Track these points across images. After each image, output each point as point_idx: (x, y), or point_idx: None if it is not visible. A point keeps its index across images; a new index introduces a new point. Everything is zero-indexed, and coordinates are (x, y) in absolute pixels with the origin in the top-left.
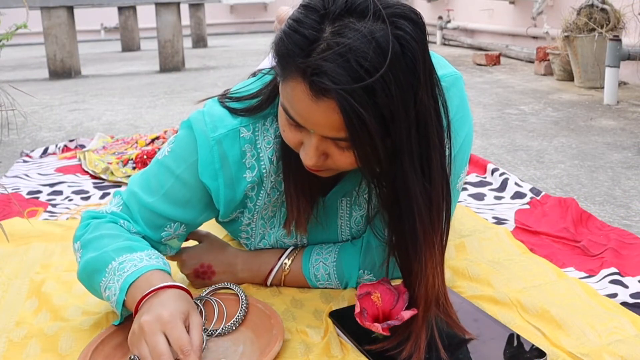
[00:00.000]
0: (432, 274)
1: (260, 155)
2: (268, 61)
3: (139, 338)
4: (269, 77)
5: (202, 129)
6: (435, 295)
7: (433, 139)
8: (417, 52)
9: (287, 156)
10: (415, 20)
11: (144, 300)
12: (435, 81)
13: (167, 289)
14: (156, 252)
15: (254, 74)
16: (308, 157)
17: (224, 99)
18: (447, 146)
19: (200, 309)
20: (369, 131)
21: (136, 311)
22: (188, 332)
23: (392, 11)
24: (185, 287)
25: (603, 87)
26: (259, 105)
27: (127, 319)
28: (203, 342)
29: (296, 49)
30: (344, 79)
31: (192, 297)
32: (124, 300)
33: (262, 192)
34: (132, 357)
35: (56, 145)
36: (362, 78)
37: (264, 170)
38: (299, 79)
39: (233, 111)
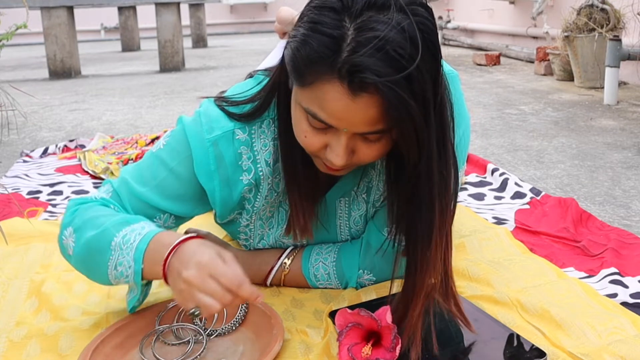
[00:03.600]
0: (439, 260)
1: (257, 157)
2: (268, 61)
3: (191, 291)
4: (266, 81)
5: (197, 130)
6: (440, 283)
7: (447, 120)
8: (435, 35)
9: (290, 164)
10: (425, 4)
11: (168, 260)
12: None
13: (185, 242)
14: (152, 223)
15: (250, 75)
16: (339, 157)
17: (221, 102)
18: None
19: (200, 310)
20: (413, 119)
21: (165, 273)
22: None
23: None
24: (199, 234)
25: (603, 87)
26: (255, 110)
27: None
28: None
29: (325, 50)
30: (386, 71)
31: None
32: (142, 269)
33: (259, 194)
34: (193, 310)
35: (56, 145)
36: (403, 67)
37: (261, 173)
38: (333, 80)
39: (230, 115)
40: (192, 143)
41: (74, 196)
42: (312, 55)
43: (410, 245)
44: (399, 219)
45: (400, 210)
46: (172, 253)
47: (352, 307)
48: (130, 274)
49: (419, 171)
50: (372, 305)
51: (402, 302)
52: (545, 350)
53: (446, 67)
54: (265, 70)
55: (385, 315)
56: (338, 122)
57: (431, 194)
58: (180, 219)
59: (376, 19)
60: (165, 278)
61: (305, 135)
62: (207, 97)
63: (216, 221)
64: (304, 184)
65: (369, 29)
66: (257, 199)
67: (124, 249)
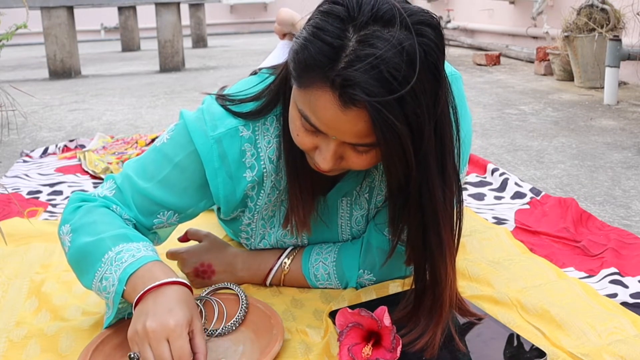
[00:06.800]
0: (452, 273)
1: (261, 154)
2: (271, 59)
3: (143, 341)
4: (271, 79)
5: (201, 127)
6: (454, 293)
7: (447, 140)
8: (439, 58)
9: (291, 158)
10: (435, 25)
11: (148, 294)
12: (448, 83)
13: (171, 286)
14: (151, 244)
15: (254, 72)
16: (325, 162)
17: (224, 101)
18: (455, 145)
19: (200, 309)
20: (400, 140)
21: (137, 302)
22: (192, 337)
23: (416, 19)
24: (187, 282)
25: (603, 87)
26: (260, 109)
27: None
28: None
29: (322, 58)
30: (377, 91)
31: (192, 292)
32: (124, 290)
33: (262, 191)
34: (132, 355)
35: (56, 145)
36: (394, 89)
37: (264, 170)
38: (325, 89)
39: (234, 114)
40: (196, 140)
41: None
42: (310, 60)
43: (419, 259)
44: (399, 223)
45: (401, 216)
46: (154, 289)
47: (352, 307)
48: (112, 291)
49: (418, 188)
50: (372, 305)
51: (426, 314)
52: (545, 350)
53: (449, 68)
54: (270, 68)
55: (384, 316)
56: (327, 129)
57: (435, 211)
58: (182, 216)
59: (379, 34)
60: (135, 305)
61: (298, 134)
62: (209, 94)
63: (219, 217)
64: (304, 176)
65: (369, 45)
66: (260, 197)
67: (114, 265)
